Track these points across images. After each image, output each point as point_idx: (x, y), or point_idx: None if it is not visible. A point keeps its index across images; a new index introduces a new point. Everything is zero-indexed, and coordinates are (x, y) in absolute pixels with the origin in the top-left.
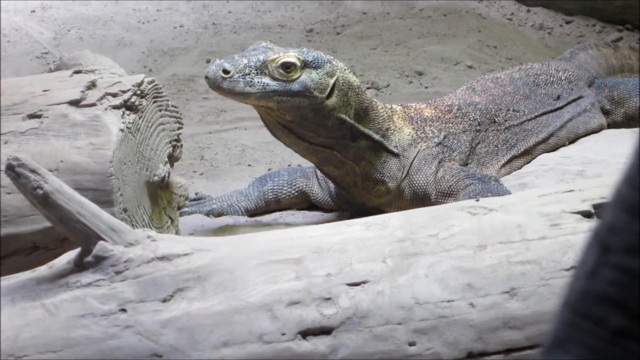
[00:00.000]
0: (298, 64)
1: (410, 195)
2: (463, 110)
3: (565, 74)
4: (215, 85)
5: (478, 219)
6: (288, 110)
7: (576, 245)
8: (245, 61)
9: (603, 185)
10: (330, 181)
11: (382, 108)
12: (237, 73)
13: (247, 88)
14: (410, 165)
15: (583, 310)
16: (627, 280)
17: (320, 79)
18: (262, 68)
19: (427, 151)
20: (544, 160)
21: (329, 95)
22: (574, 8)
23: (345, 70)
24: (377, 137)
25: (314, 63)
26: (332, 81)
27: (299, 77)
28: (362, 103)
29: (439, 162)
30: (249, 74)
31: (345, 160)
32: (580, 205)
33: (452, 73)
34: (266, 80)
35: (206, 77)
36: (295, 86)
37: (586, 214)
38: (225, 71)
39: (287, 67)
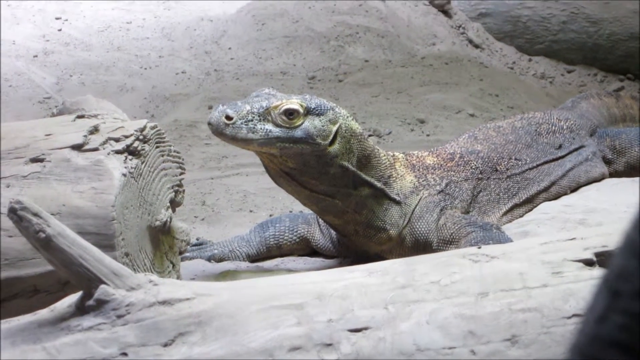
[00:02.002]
0: (301, 110)
1: (412, 243)
2: (465, 159)
3: (567, 123)
4: (218, 131)
5: (480, 267)
6: (290, 157)
7: (578, 293)
8: (248, 107)
9: (605, 233)
10: (331, 228)
11: (384, 155)
12: (240, 119)
13: (249, 134)
14: (412, 212)
15: (592, 355)
16: (636, 325)
17: (323, 126)
18: (264, 114)
19: (429, 199)
20: (545, 208)
21: (332, 143)
22: (576, 57)
23: (347, 117)
24: (379, 184)
25: (316, 110)
26: (334, 128)
27: (302, 124)
28: (365, 150)
29: (441, 210)
30: (252, 120)
31: (346, 210)
32: (582, 254)
33: (454, 121)
34: (269, 126)
35: (209, 123)
36: (298, 133)
37: (588, 262)
38: (228, 117)
39: (290, 113)
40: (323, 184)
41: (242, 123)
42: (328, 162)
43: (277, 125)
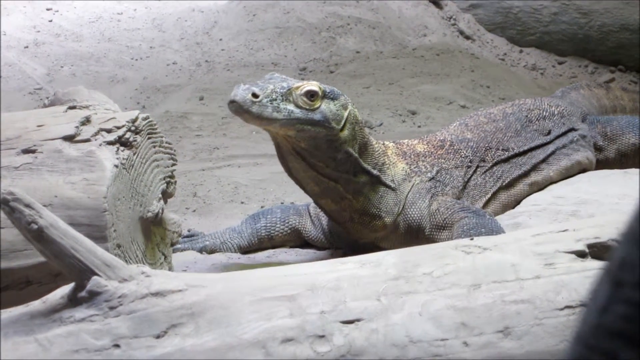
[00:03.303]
0: (319, 93)
1: (405, 229)
2: (455, 147)
3: (558, 109)
4: (243, 109)
5: (472, 258)
6: (305, 138)
7: (570, 284)
8: (271, 87)
9: (597, 225)
10: (323, 219)
11: (376, 143)
12: (266, 98)
13: (274, 114)
14: (405, 199)
15: (594, 344)
16: (639, 314)
17: (337, 110)
18: (287, 95)
19: (420, 185)
20: (536, 199)
21: (342, 128)
22: (567, 49)
23: (353, 104)
24: (374, 172)
25: (331, 94)
26: (346, 114)
27: (320, 106)
28: (363, 138)
29: (432, 196)
30: (276, 100)
31: (345, 195)
32: (575, 245)
33: (445, 112)
34: (291, 107)
35: (232, 101)
36: (317, 115)
37: (580, 254)
38: (255, 95)
39: (312, 95)
40: (329, 167)
41: (267, 101)
42: (337, 147)
43: (298, 106)
